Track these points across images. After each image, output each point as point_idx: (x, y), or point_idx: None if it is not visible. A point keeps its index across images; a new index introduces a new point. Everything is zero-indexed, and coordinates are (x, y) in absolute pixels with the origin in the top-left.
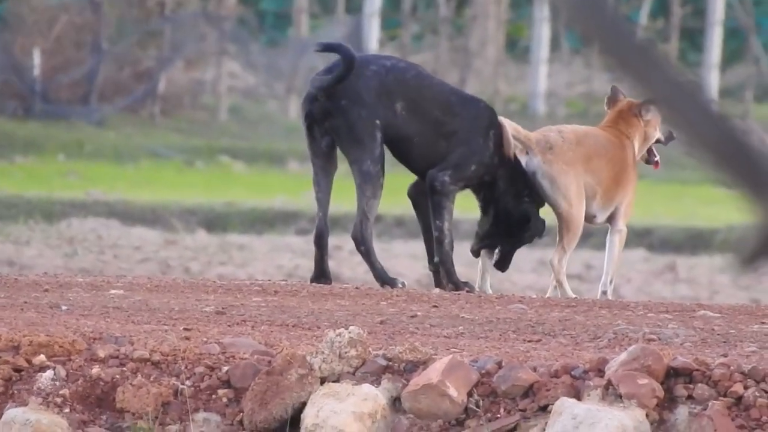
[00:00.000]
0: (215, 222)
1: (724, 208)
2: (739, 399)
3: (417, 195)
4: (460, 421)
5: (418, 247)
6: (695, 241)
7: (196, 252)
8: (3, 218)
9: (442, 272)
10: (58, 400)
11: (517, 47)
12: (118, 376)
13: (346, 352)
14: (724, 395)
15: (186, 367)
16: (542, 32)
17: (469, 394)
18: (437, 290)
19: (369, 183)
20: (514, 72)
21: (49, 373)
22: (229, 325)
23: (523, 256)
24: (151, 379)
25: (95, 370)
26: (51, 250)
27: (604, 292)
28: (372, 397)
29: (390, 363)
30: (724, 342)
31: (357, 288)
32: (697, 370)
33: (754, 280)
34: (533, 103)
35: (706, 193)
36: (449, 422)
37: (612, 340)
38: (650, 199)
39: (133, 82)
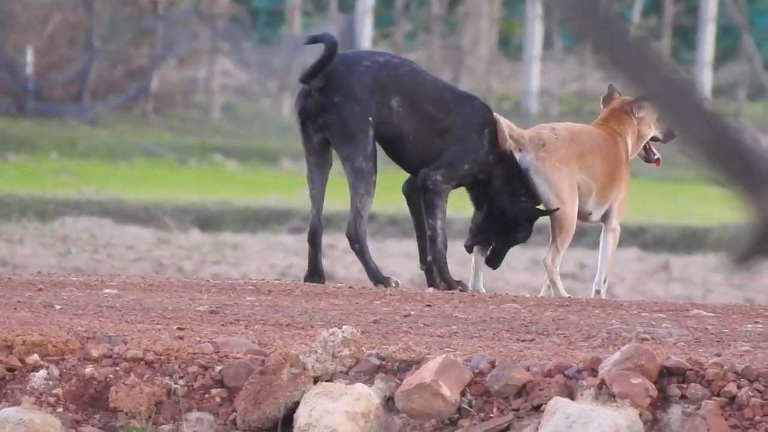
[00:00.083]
0: (209, 221)
1: (717, 207)
2: (733, 399)
3: (411, 191)
4: (453, 420)
5: (412, 246)
6: (689, 240)
7: (189, 251)
8: None
9: (435, 271)
10: (52, 399)
11: (509, 45)
12: (111, 376)
13: (339, 352)
14: (718, 395)
15: (179, 367)
16: (535, 30)
17: (463, 394)
18: (431, 289)
19: (362, 180)
20: (507, 70)
21: (43, 372)
22: (222, 325)
23: (516, 255)
24: (145, 378)
25: (88, 369)
26: (44, 249)
27: (598, 292)
28: (365, 396)
29: (383, 362)
30: (718, 341)
31: (350, 287)
32: (691, 369)
33: (748, 279)
34: (526, 101)
35: (699, 192)
36: (442, 422)
37: (605, 340)
38: (644, 197)
39: (126, 80)
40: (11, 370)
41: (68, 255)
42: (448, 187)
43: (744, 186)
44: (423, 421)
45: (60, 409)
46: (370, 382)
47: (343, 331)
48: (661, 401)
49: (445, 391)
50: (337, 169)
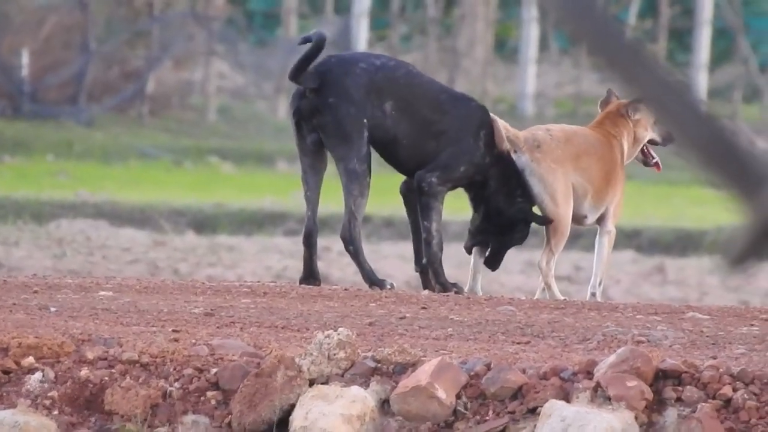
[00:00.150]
0: (204, 223)
1: (713, 209)
2: (728, 401)
3: (408, 193)
4: (448, 423)
5: (407, 248)
6: (684, 243)
7: (184, 253)
8: None
9: (431, 273)
10: (47, 402)
11: (505, 47)
12: (106, 378)
13: (334, 354)
14: (713, 397)
15: (174, 369)
16: (531, 32)
17: (458, 396)
18: (426, 292)
19: (356, 182)
20: (503, 72)
21: (38, 375)
22: (217, 327)
23: (511, 257)
24: (140, 381)
25: (84, 372)
26: (40, 251)
27: (593, 294)
28: (361, 399)
29: (379, 365)
30: (713, 344)
31: (346, 289)
32: (686, 372)
33: (744, 281)
34: (522, 103)
35: (694, 194)
36: (438, 424)
37: (601, 342)
38: (639, 199)
39: (122, 82)
40: (6, 372)
41: (63, 257)
42: (443, 189)
43: (739, 188)
44: (418, 424)
45: (55, 412)
46: (365, 384)
47: (338, 334)
48: (657, 404)
49: (441, 393)
50: (331, 170)
